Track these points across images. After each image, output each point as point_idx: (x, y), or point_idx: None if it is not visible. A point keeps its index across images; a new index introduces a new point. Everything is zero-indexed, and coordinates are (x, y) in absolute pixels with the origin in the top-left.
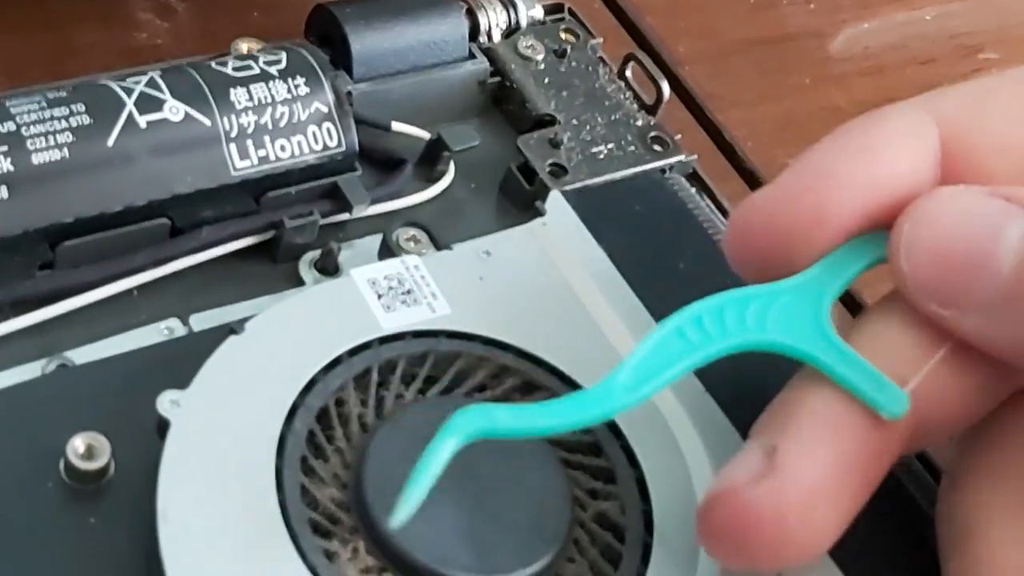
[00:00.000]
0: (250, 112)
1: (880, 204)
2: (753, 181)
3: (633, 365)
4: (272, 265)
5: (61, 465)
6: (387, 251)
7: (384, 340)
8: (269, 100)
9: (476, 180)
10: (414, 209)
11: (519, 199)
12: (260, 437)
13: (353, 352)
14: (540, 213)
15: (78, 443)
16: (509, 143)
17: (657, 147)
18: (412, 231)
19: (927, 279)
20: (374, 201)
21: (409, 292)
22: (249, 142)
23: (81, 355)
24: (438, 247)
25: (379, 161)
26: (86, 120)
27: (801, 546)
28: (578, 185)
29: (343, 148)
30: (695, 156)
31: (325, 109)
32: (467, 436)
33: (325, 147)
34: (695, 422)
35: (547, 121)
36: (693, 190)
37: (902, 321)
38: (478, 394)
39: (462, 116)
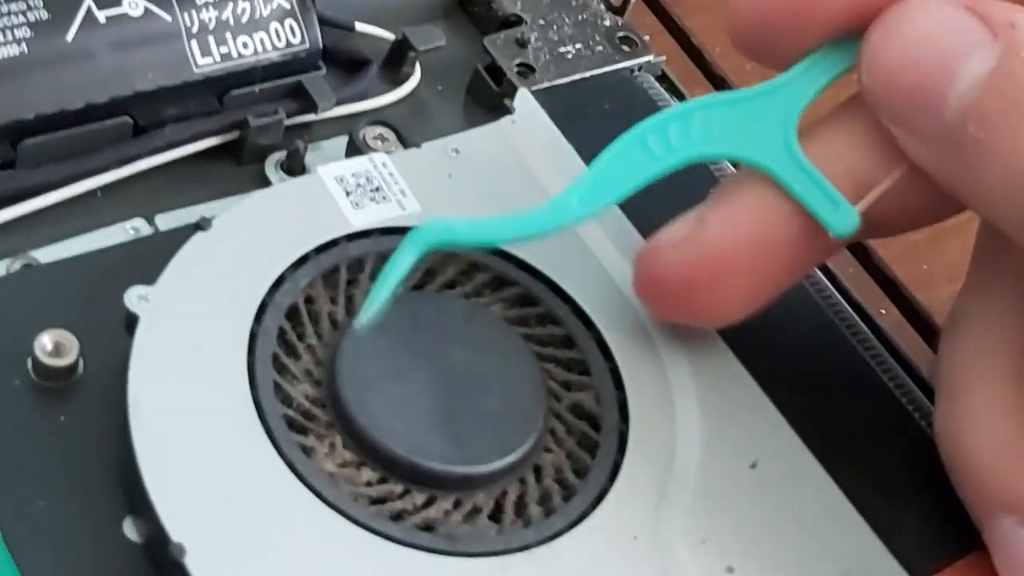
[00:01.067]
0: (211, 7)
1: (864, 8)
2: (722, 87)
3: (592, 175)
4: (237, 166)
5: (29, 363)
6: (354, 149)
7: (352, 237)
8: None
9: (443, 82)
10: (381, 111)
11: (487, 100)
12: (230, 334)
13: (321, 249)
14: (507, 114)
15: (46, 340)
16: (475, 44)
17: (625, 47)
18: (379, 129)
19: (881, 95)
20: (340, 102)
21: (378, 189)
22: (211, 38)
23: (46, 255)
24: (406, 146)
25: (343, 62)
26: (44, 15)
27: (708, 309)
28: (547, 85)
29: (307, 45)
30: (663, 57)
31: (287, 5)
32: (427, 246)
33: (288, 44)
34: None
35: (513, 21)
36: (662, 89)
37: (864, 128)
38: (448, 290)
39: (427, 17)
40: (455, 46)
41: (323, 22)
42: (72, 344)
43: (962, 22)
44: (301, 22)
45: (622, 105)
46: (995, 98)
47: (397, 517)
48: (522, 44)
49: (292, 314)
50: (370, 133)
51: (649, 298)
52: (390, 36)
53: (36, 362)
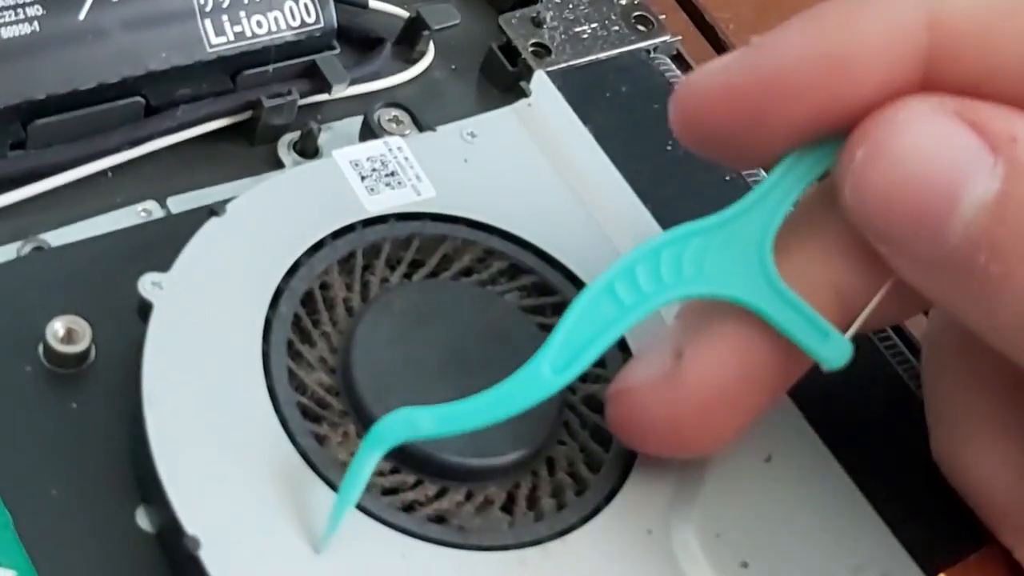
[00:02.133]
0: None
1: (839, 115)
2: None
3: (561, 339)
4: (250, 147)
5: (40, 349)
6: (369, 132)
7: (368, 223)
8: None
9: (456, 61)
10: (394, 90)
11: (501, 80)
12: (245, 321)
13: (337, 235)
14: (523, 94)
15: (58, 326)
16: (490, 22)
17: (641, 27)
18: (394, 111)
19: (870, 219)
20: (353, 81)
21: (393, 174)
22: (224, 17)
23: (57, 237)
24: (420, 128)
25: (357, 41)
26: None
27: (696, 446)
28: (563, 65)
29: (321, 24)
30: (680, 37)
31: None
32: (389, 445)
33: (303, 23)
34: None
35: (528, 0)
36: (679, 71)
37: (839, 236)
38: (464, 278)
39: None
40: (469, 24)
41: (337, 0)
42: (84, 330)
43: (959, 138)
44: (316, 1)
45: (639, 88)
46: (1007, 226)
47: (409, 508)
48: (538, 23)
49: (307, 300)
50: (385, 115)
51: (630, 439)
52: (404, 14)
53: (48, 348)
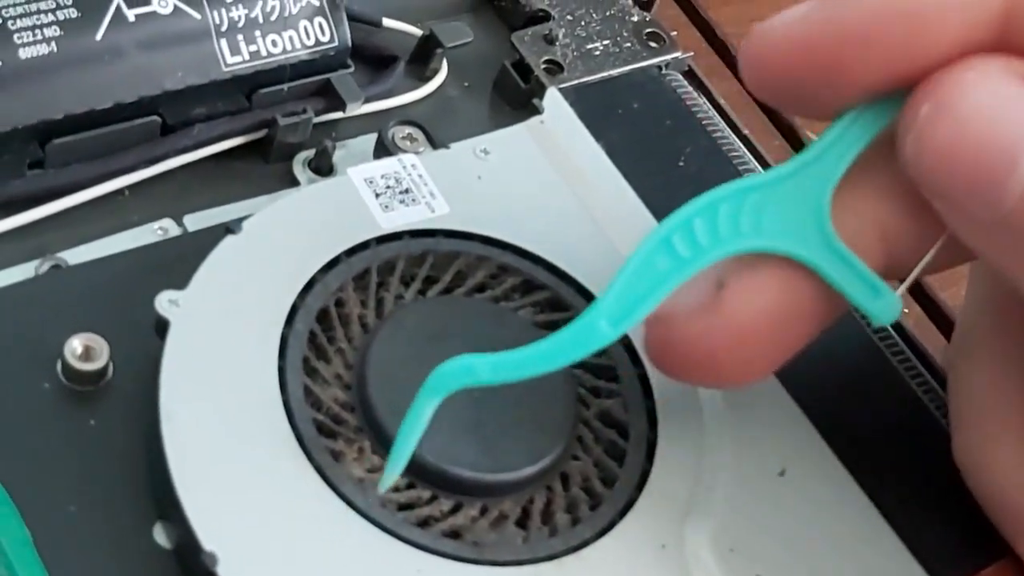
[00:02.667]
0: (240, 5)
1: (910, 72)
2: None
3: (618, 290)
4: (265, 164)
5: (59, 367)
6: (383, 149)
7: (382, 240)
8: None
9: (469, 78)
10: (408, 108)
11: (514, 97)
12: (261, 338)
13: (351, 252)
14: (535, 111)
15: (76, 344)
16: (502, 40)
17: (653, 43)
18: (408, 129)
19: (930, 173)
20: (367, 99)
21: (407, 191)
22: (240, 37)
23: (74, 256)
24: (434, 146)
25: (371, 59)
26: (73, 13)
27: (731, 376)
28: (575, 82)
29: (335, 43)
30: (691, 53)
31: (316, 3)
32: (449, 391)
33: (317, 42)
34: None
35: (541, 17)
36: (690, 87)
37: (893, 181)
38: (478, 294)
39: (454, 12)
40: (482, 42)
41: (351, 18)
42: (102, 348)
43: (1023, 100)
44: (331, 20)
45: (651, 104)
46: None
47: (424, 523)
48: (550, 41)
49: (322, 317)
50: (399, 133)
51: (665, 365)
52: (417, 32)
53: (66, 365)
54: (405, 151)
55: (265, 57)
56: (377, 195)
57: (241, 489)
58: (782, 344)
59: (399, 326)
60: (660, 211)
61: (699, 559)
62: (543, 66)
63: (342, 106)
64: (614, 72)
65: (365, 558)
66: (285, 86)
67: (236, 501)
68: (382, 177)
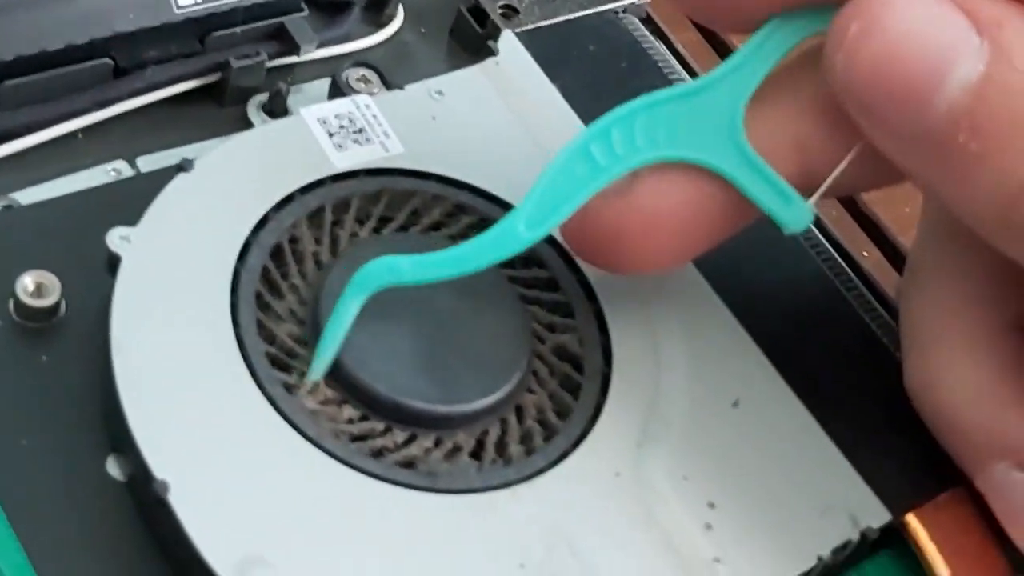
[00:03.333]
0: None
1: None
2: (706, 30)
3: (537, 196)
4: (219, 108)
5: (11, 304)
6: (337, 91)
7: (337, 178)
8: None
9: (425, 24)
10: (363, 53)
11: (470, 42)
12: (213, 273)
13: (305, 190)
14: (491, 55)
15: (27, 281)
16: None
17: None
18: (362, 71)
19: (858, 90)
20: (322, 44)
21: (361, 131)
22: None
23: (26, 196)
24: (389, 88)
25: (325, 5)
26: None
27: (638, 263)
28: (531, 27)
29: None
30: (648, 0)
31: None
32: (373, 289)
33: None
34: None
35: None
36: (647, 32)
37: (811, 94)
38: (434, 232)
39: None
40: None
41: None
42: (54, 285)
43: (951, 19)
44: None
45: (607, 47)
46: (987, 107)
47: (378, 454)
48: None
49: (276, 254)
50: (353, 75)
51: (577, 246)
52: None
53: (18, 302)
54: (360, 93)
55: (217, 0)
56: (331, 135)
57: (193, 420)
58: (686, 238)
59: (354, 262)
60: None
61: (653, 487)
62: (499, 11)
63: (296, 50)
64: (570, 16)
65: (318, 487)
66: (238, 29)
67: (187, 432)
68: (335, 117)
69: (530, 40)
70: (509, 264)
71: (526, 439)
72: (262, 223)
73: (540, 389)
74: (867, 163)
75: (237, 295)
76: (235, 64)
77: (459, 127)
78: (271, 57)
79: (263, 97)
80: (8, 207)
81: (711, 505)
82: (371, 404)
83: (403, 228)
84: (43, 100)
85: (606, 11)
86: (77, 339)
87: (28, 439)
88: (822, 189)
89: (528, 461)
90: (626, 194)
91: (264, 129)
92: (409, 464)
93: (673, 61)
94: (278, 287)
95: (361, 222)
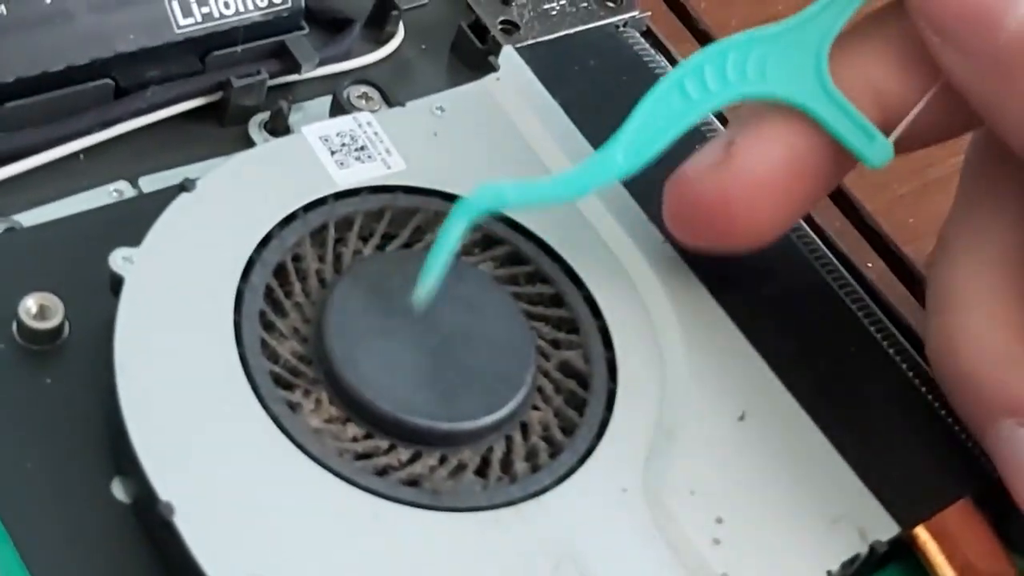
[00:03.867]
0: None
1: None
2: (706, 42)
3: (633, 127)
4: (220, 128)
5: (14, 327)
6: (338, 108)
7: (340, 196)
8: None
9: (426, 41)
10: (364, 71)
11: (471, 58)
12: (217, 292)
13: (308, 208)
14: (492, 71)
15: (30, 303)
16: (459, 1)
17: (610, 3)
18: (363, 88)
19: (934, 10)
20: (323, 61)
21: (363, 148)
22: None
23: (29, 218)
24: (390, 105)
25: (326, 22)
26: None
27: (745, 232)
28: (531, 42)
29: (289, 4)
30: (648, 13)
31: None
32: (478, 212)
33: (271, 3)
34: (656, 271)
35: None
36: (648, 46)
37: (890, 43)
38: None
39: None
40: (438, 4)
41: None
42: (57, 307)
43: None
44: None
45: (608, 61)
46: None
47: (382, 472)
48: (506, 1)
49: (279, 272)
50: (354, 92)
51: (682, 224)
52: None
53: (21, 325)
54: (361, 110)
55: (218, 19)
56: (332, 152)
57: (197, 440)
58: (790, 199)
59: (357, 280)
60: None
61: (660, 502)
62: (499, 26)
63: (297, 68)
64: (571, 31)
65: (324, 507)
66: (239, 48)
67: (192, 452)
68: (337, 135)
69: (531, 55)
70: (513, 280)
71: (531, 456)
72: (265, 241)
73: (545, 406)
74: (940, 108)
75: (241, 314)
76: (236, 83)
77: (461, 143)
78: (272, 75)
79: (264, 116)
80: (10, 229)
81: (719, 520)
82: (375, 422)
83: (407, 245)
84: (44, 121)
85: (606, 25)
86: (81, 361)
87: (32, 462)
88: (901, 126)
89: (533, 478)
90: (726, 164)
91: (266, 148)
92: (413, 482)
93: None
94: (281, 306)
95: (364, 239)
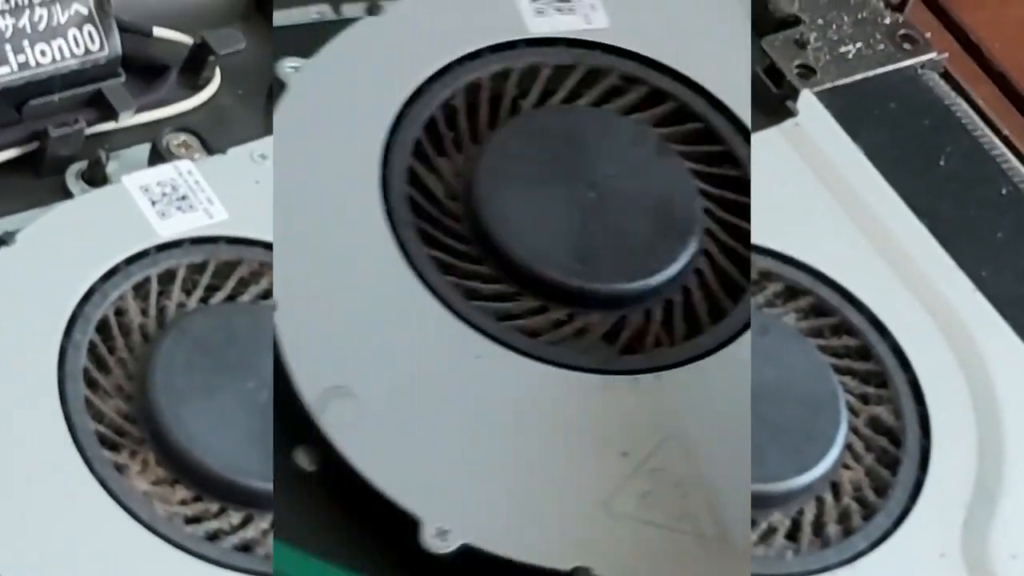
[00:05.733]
0: (7, 15)
1: None
2: (1004, 84)
3: None
4: (37, 178)
5: None
6: (157, 157)
7: (162, 248)
8: (27, 2)
9: (242, 86)
10: (182, 117)
11: (767, 102)
12: (39, 350)
13: (131, 261)
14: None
15: None
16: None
17: (907, 45)
18: (183, 136)
19: None
20: (140, 109)
21: (184, 198)
22: (7, 46)
23: None
24: (210, 152)
25: (142, 69)
26: None
27: None
28: (828, 86)
29: (106, 52)
30: (946, 54)
31: (85, 11)
32: None
33: (87, 51)
34: (967, 320)
35: (791, 22)
36: (948, 88)
37: None
38: (262, 301)
39: (225, 20)
40: (254, 49)
41: (121, 28)
42: None
43: None
44: (100, 28)
45: (908, 104)
46: None
47: (213, 537)
48: (801, 45)
49: (102, 327)
50: (174, 140)
51: None
52: (188, 40)
53: None
54: (181, 158)
55: (34, 67)
56: (153, 203)
57: (24, 506)
58: None
59: (182, 336)
60: (922, 210)
61: (981, 567)
62: (795, 70)
63: (114, 115)
64: (868, 74)
65: (152, 572)
66: (56, 96)
67: (18, 519)
68: (158, 184)
69: (829, 100)
70: (818, 333)
71: (843, 518)
72: (88, 296)
73: (856, 465)
74: None
75: (64, 371)
76: (53, 132)
77: (761, 191)
78: (89, 124)
79: (82, 165)
80: None
81: None
82: (204, 483)
83: (231, 298)
84: None
85: (905, 68)
86: None
87: None
88: None
89: (847, 543)
90: None
91: (86, 199)
92: (245, 548)
93: (976, 117)
94: (105, 362)
95: (188, 292)
